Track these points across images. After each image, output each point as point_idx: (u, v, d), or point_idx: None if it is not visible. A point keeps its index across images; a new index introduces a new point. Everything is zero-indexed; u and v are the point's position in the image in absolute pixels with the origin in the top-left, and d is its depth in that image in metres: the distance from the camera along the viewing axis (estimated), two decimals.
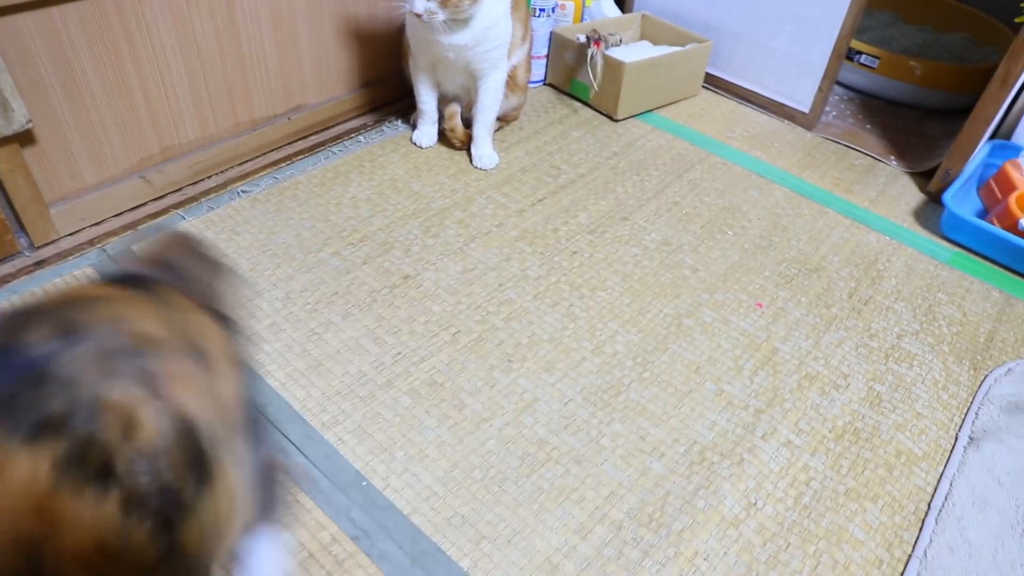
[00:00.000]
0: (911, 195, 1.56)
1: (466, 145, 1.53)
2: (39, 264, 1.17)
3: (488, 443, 0.95)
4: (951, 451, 1.01)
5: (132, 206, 1.30)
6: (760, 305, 1.22)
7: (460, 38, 1.31)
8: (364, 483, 0.90)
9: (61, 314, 0.46)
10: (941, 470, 0.98)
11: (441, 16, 1.24)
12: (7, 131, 1.04)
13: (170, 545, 0.43)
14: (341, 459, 0.92)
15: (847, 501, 0.93)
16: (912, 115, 1.87)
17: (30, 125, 1.06)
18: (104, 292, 0.51)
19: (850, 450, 1.00)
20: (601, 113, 1.71)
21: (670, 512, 0.90)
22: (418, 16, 1.23)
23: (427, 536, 0.85)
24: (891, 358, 1.15)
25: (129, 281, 0.55)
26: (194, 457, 0.45)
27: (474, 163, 1.48)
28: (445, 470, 0.92)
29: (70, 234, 1.23)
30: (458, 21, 1.29)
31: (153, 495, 0.42)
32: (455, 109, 1.50)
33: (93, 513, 0.40)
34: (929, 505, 0.93)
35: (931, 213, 1.49)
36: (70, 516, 0.39)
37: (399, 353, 1.06)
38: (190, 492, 0.44)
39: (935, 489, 0.95)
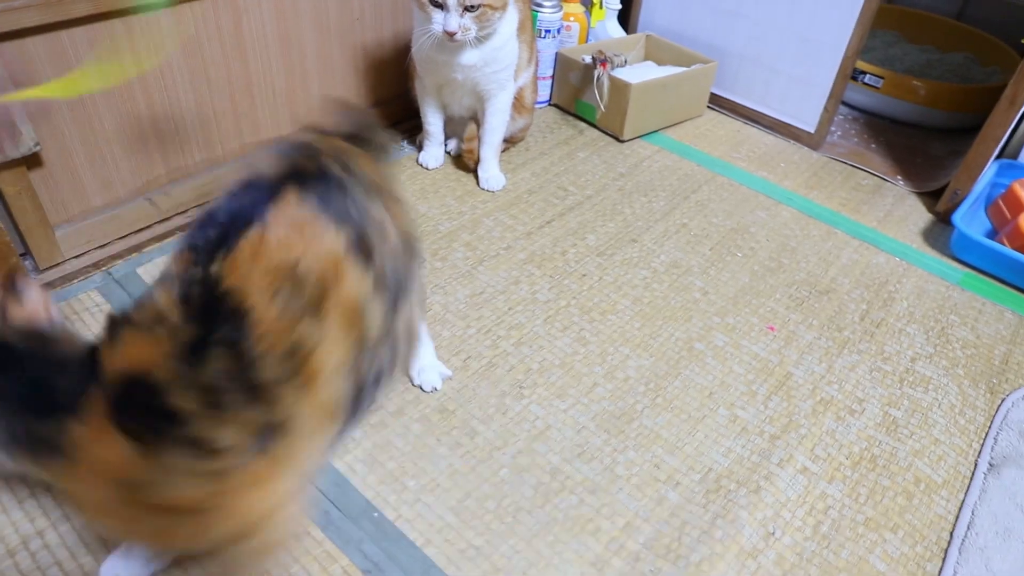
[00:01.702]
0: (919, 215, 1.55)
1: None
2: (44, 288, 1.15)
3: (501, 472, 0.94)
4: (971, 478, 0.99)
5: (137, 228, 1.28)
6: (772, 328, 1.21)
7: (468, 58, 1.31)
8: (375, 514, 0.88)
9: (342, 158, 0.71)
10: (962, 498, 0.97)
11: (474, 32, 1.23)
12: (15, 154, 1.03)
13: (395, 315, 0.70)
14: (351, 488, 0.90)
15: (867, 531, 0.92)
16: (917, 134, 1.87)
17: (38, 148, 1.05)
18: (350, 147, 0.75)
19: (867, 477, 0.99)
20: (607, 134, 1.70)
21: (687, 543, 0.88)
22: (451, 35, 1.21)
23: (440, 569, 0.83)
24: (906, 382, 1.14)
25: (351, 139, 0.77)
26: (411, 257, 0.75)
27: (481, 185, 1.47)
28: (458, 500, 0.90)
29: (75, 256, 1.22)
30: (476, 39, 1.27)
31: (391, 279, 0.69)
32: (475, 131, 1.49)
33: (359, 280, 0.65)
34: (951, 535, 0.92)
35: (940, 233, 1.49)
36: (348, 277, 0.63)
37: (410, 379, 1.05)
38: (408, 282, 0.74)
39: (956, 518, 0.94)
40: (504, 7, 1.24)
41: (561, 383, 1.07)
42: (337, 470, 0.92)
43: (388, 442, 0.96)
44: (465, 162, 1.51)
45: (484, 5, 1.20)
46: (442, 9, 1.20)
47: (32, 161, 1.10)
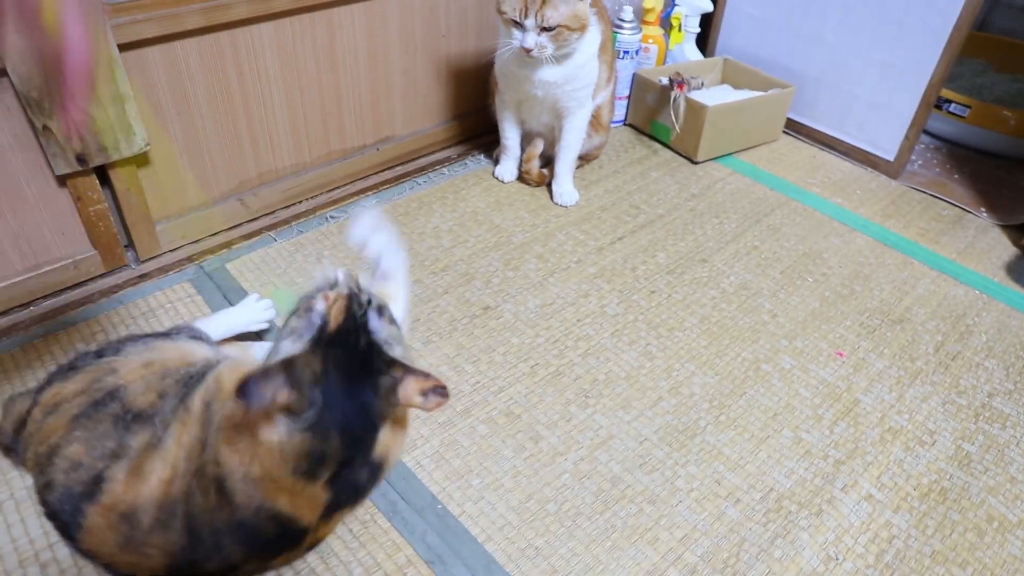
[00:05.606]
0: (1002, 249, 1.50)
1: (541, 185, 1.55)
2: (143, 277, 1.24)
3: (563, 476, 0.96)
4: None
5: (228, 226, 1.37)
6: (841, 354, 1.20)
7: (550, 75, 1.35)
8: (439, 507, 0.91)
9: None
10: None
11: (550, 50, 1.27)
12: (128, 152, 1.12)
13: None
14: (418, 482, 0.94)
15: (933, 564, 0.90)
16: (1003, 166, 1.82)
17: (148, 148, 1.14)
18: None
19: (936, 510, 0.97)
20: (681, 155, 1.71)
21: (746, 559, 0.88)
22: (528, 51, 1.27)
23: (500, 566, 0.85)
24: (981, 417, 1.11)
25: None
26: None
27: (554, 199, 1.50)
28: (520, 500, 0.93)
29: (171, 250, 1.30)
30: (554, 57, 1.32)
31: None
32: (534, 151, 1.53)
33: None
34: None
35: None
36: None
37: (478, 382, 1.08)
38: None
39: None
40: (583, 29, 1.28)
41: (626, 395, 1.08)
42: (405, 464, 0.96)
43: (455, 441, 1.00)
44: (525, 181, 1.55)
45: (561, 26, 1.24)
46: (521, 29, 1.26)
47: (141, 160, 1.18)
